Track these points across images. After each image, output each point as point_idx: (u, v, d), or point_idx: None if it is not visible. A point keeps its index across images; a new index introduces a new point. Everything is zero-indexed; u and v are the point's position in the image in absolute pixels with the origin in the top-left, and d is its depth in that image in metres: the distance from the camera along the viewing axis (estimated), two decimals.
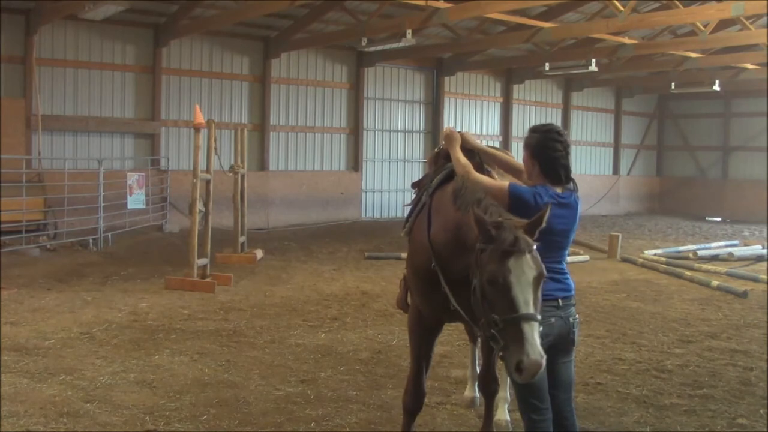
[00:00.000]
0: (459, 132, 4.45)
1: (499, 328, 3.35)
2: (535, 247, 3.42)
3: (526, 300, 3.31)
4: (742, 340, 8.09)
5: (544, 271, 3.41)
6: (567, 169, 3.91)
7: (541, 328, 3.36)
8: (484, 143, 4.90)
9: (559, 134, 3.89)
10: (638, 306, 9.88)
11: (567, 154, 3.91)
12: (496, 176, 4.44)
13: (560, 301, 3.88)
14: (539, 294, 3.40)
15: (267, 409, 5.58)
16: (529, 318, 3.29)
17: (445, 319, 4.44)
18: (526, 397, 3.85)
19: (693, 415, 5.70)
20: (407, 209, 4.87)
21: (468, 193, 3.79)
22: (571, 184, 3.95)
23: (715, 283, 11.34)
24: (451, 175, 4.28)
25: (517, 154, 5.34)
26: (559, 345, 3.91)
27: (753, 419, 5.64)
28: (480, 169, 4.30)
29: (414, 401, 4.58)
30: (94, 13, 12.89)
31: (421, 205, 4.49)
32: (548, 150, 3.88)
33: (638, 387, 6.33)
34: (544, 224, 3.47)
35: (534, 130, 3.99)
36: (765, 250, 14.81)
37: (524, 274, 3.33)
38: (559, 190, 3.90)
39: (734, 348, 7.74)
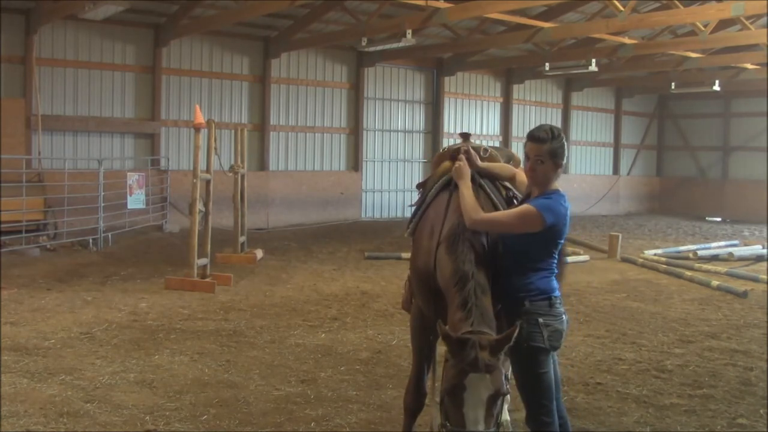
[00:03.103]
0: (465, 151, 4.40)
1: None
2: (500, 363, 3.49)
3: (476, 418, 3.41)
4: (742, 340, 8.09)
5: (503, 390, 3.49)
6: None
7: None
8: (484, 143, 4.90)
9: (562, 134, 3.96)
10: (638, 306, 9.88)
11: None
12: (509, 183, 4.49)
13: (560, 298, 3.98)
14: (494, 410, 3.48)
15: (267, 409, 5.58)
16: None
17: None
18: (536, 400, 3.85)
19: (693, 415, 5.70)
20: (409, 209, 4.89)
21: (463, 252, 3.82)
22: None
23: (715, 283, 11.34)
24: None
25: (517, 154, 5.34)
26: None
27: (753, 419, 5.64)
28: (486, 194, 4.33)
29: (415, 401, 4.58)
30: (94, 13, 12.89)
31: (425, 207, 4.52)
32: (564, 154, 3.92)
33: (638, 387, 6.33)
34: (512, 342, 3.53)
35: (549, 137, 3.85)
36: (765, 250, 14.80)
37: (479, 393, 3.42)
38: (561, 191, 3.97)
39: (734, 348, 7.74)
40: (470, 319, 3.61)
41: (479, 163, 4.43)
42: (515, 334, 3.51)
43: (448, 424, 3.51)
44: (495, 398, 3.44)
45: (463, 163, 4.28)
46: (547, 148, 3.85)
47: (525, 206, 3.92)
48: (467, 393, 3.42)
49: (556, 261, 4.00)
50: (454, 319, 3.67)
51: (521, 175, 4.23)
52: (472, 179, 4.29)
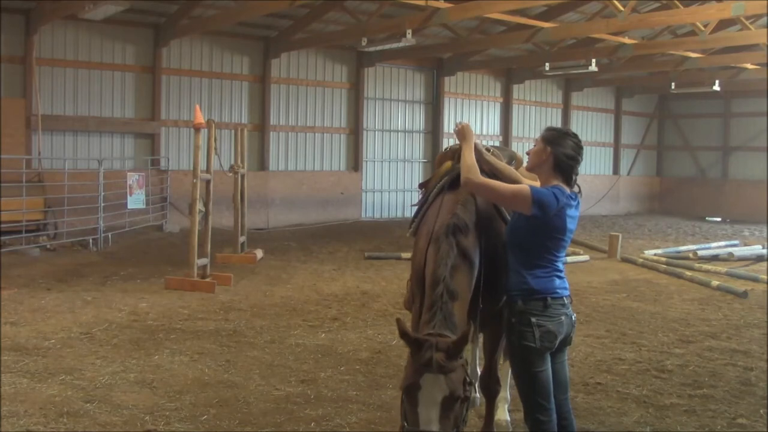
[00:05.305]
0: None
1: None
2: (458, 366, 3.52)
3: (430, 418, 3.43)
4: (742, 340, 8.09)
5: (459, 393, 3.50)
6: (576, 175, 4.02)
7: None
8: (484, 143, 4.90)
9: (579, 140, 4.02)
10: (638, 306, 9.88)
11: (580, 160, 4.01)
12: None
13: (565, 299, 3.96)
14: (450, 413, 3.48)
15: (267, 409, 5.58)
16: None
17: None
18: (531, 397, 3.88)
19: (693, 415, 5.70)
20: (409, 209, 4.91)
21: (443, 256, 3.87)
22: (577, 187, 4.05)
23: (715, 283, 11.34)
24: (457, 180, 4.26)
25: (518, 153, 5.34)
26: (559, 344, 3.97)
27: (753, 419, 5.64)
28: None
29: None
30: (94, 13, 12.88)
31: (426, 207, 4.51)
32: (568, 151, 3.95)
33: (638, 387, 6.33)
34: (469, 342, 3.61)
35: (555, 128, 4.07)
36: (765, 250, 14.80)
37: (432, 394, 3.46)
38: (567, 190, 3.99)
39: (734, 348, 7.74)
40: (433, 322, 3.68)
41: (481, 146, 4.45)
42: (470, 335, 3.58)
43: (405, 424, 3.57)
44: (450, 400, 3.46)
45: (465, 124, 4.32)
46: (543, 134, 4.04)
47: (523, 185, 4.01)
48: (421, 393, 3.47)
49: (559, 260, 3.99)
50: (422, 321, 3.78)
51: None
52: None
